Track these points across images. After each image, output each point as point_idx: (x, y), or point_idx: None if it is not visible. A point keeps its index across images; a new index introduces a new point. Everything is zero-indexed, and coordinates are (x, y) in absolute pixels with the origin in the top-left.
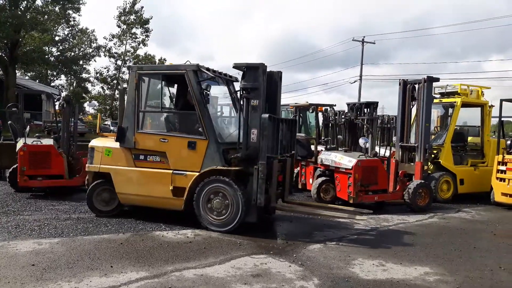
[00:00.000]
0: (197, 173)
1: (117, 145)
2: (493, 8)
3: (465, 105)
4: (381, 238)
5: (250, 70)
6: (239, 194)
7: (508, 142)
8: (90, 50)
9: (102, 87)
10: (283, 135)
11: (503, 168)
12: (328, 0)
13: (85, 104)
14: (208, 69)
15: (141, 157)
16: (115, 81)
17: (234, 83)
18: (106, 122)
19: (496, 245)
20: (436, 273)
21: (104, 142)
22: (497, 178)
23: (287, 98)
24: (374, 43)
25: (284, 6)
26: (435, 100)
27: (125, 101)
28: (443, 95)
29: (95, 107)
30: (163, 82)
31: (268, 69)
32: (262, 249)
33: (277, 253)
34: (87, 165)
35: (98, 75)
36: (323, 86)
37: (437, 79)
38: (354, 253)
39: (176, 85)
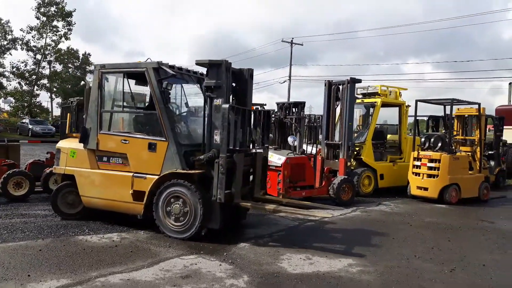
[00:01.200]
0: (157, 177)
1: (81, 146)
2: (411, 14)
3: (384, 105)
4: (308, 233)
5: (213, 67)
6: (197, 199)
7: (423, 139)
8: (5, 42)
9: (19, 83)
10: (252, 128)
11: (418, 163)
12: (259, 0)
13: (0, 101)
14: (172, 66)
15: (104, 159)
16: (33, 77)
17: None
18: (23, 120)
19: (412, 236)
20: (359, 264)
21: (70, 143)
22: (413, 173)
23: None
24: (302, 44)
25: (216, 5)
26: (357, 100)
27: (89, 101)
28: (365, 95)
29: (11, 104)
30: (129, 81)
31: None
32: (192, 250)
33: (208, 253)
34: (54, 166)
35: (14, 69)
36: (254, 86)
37: (360, 81)
38: (283, 248)
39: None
